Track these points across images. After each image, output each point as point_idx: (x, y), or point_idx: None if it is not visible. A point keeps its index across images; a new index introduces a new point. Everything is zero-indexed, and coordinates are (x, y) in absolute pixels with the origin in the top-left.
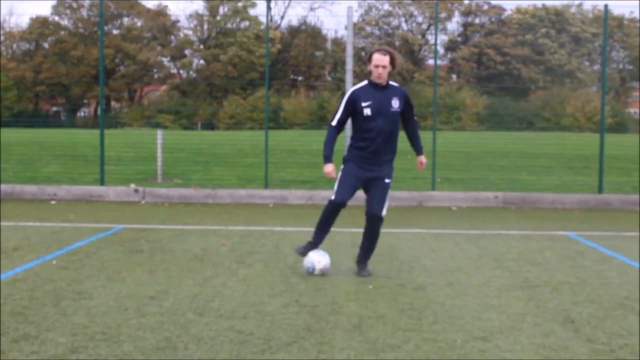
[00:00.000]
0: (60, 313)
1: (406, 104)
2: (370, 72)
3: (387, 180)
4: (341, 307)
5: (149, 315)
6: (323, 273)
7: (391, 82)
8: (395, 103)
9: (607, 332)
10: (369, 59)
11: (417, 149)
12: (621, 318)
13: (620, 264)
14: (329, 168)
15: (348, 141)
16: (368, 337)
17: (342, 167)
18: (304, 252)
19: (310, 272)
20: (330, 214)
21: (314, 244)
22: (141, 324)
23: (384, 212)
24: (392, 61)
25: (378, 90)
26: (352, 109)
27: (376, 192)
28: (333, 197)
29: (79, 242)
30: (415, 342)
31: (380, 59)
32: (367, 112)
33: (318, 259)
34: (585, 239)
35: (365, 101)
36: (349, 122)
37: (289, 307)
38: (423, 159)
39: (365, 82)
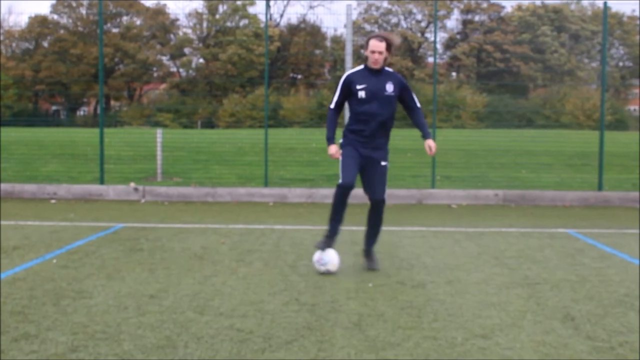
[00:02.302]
0: (60, 312)
1: (402, 90)
2: (366, 58)
3: (383, 163)
4: (341, 305)
5: (149, 314)
6: (328, 271)
7: (387, 68)
8: (390, 87)
9: (607, 329)
10: (366, 45)
11: (423, 134)
12: (621, 315)
13: (620, 261)
14: (332, 149)
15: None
16: (368, 335)
17: (340, 152)
18: (323, 246)
19: (321, 265)
20: (340, 198)
21: (331, 235)
22: (141, 322)
23: (385, 196)
24: (389, 47)
25: (373, 74)
26: (348, 91)
27: (375, 177)
28: (340, 181)
29: (79, 241)
30: (415, 340)
31: (377, 45)
32: (362, 94)
33: (335, 258)
34: (585, 237)
35: (360, 84)
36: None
37: (289, 306)
38: (431, 142)
39: (361, 67)
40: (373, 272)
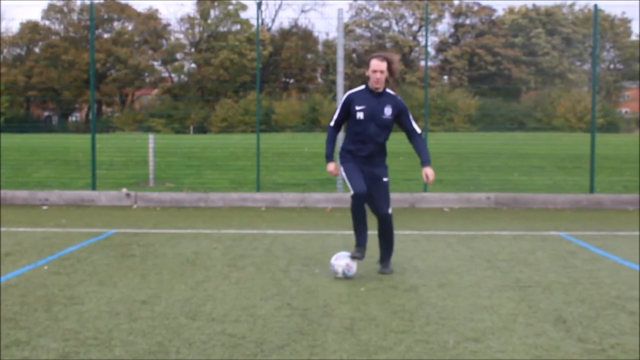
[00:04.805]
0: (52, 318)
1: (401, 114)
2: (368, 78)
3: (385, 179)
4: (333, 310)
5: (140, 320)
6: (337, 274)
7: (388, 90)
8: (388, 111)
9: (598, 331)
10: (367, 65)
11: (422, 161)
12: (612, 317)
13: (611, 263)
14: (330, 167)
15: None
16: (360, 339)
17: (341, 168)
18: (362, 255)
19: (348, 271)
20: (358, 208)
21: (362, 243)
22: (133, 328)
23: (390, 210)
24: (390, 67)
25: (374, 96)
26: (347, 110)
27: (379, 193)
28: (353, 191)
29: (71, 247)
30: (407, 344)
31: (378, 65)
32: (360, 115)
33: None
34: (576, 239)
35: (359, 105)
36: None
37: (281, 310)
38: (428, 170)
39: (363, 87)
40: (365, 277)
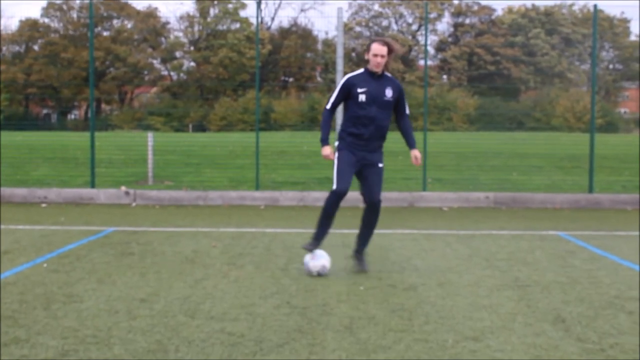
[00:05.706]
0: (51, 316)
1: (399, 96)
2: (368, 61)
3: (380, 165)
4: (332, 309)
5: (139, 318)
6: (324, 267)
7: (387, 73)
8: (389, 92)
9: (597, 331)
10: (368, 49)
11: (410, 144)
12: (611, 317)
13: (610, 263)
14: (326, 151)
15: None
16: (359, 338)
17: (336, 155)
18: (312, 248)
19: (317, 261)
20: (333, 204)
21: (320, 238)
22: (132, 326)
23: (381, 196)
24: (390, 52)
25: (374, 78)
26: (347, 93)
27: (373, 179)
28: (334, 187)
29: (70, 245)
30: (406, 343)
31: (379, 49)
32: (362, 98)
33: (326, 255)
34: (575, 239)
35: (361, 87)
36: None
37: (280, 309)
38: (417, 153)
39: (361, 70)
40: (364, 275)
